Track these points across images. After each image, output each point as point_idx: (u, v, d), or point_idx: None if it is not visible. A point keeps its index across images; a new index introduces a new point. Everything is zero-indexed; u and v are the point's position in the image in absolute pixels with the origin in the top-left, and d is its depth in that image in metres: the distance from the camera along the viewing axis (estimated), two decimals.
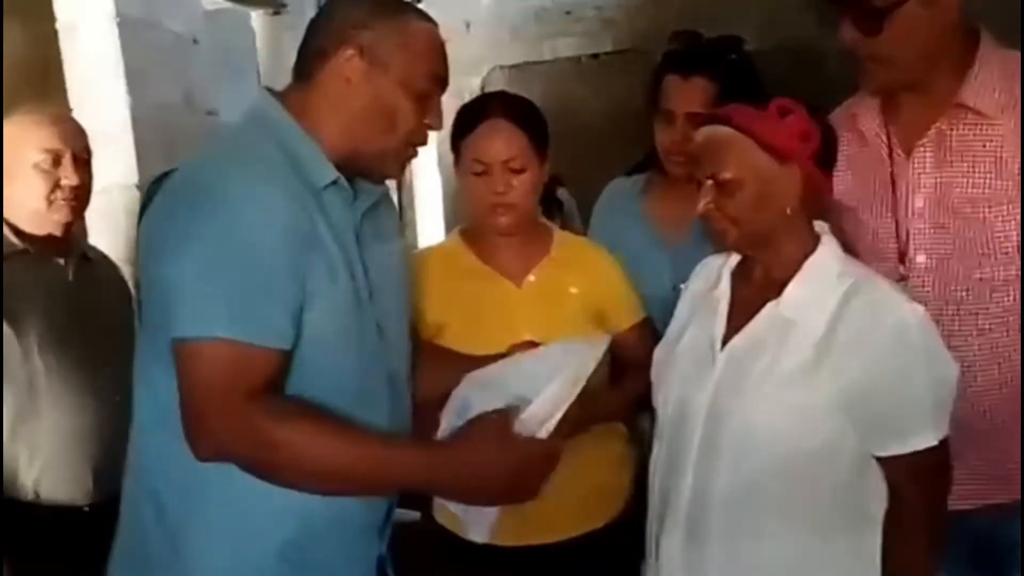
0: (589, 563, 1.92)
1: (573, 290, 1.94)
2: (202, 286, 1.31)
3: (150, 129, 2.64)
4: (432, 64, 1.47)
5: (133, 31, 2.66)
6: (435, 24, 1.50)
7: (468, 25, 5.56)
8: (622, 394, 1.95)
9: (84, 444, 1.97)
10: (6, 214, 2.01)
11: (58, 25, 2.59)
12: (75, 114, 2.72)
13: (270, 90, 1.51)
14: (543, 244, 1.97)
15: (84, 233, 2.42)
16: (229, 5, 3.42)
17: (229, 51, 3.42)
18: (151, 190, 1.51)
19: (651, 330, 1.98)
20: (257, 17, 3.88)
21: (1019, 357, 1.61)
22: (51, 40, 2.61)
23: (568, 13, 5.48)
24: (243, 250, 1.31)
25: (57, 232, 2.05)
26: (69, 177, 2.00)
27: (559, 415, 1.42)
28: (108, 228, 2.63)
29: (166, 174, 1.48)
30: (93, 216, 2.66)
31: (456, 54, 5.59)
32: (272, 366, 1.33)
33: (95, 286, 2.07)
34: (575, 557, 1.91)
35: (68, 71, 2.63)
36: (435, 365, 1.74)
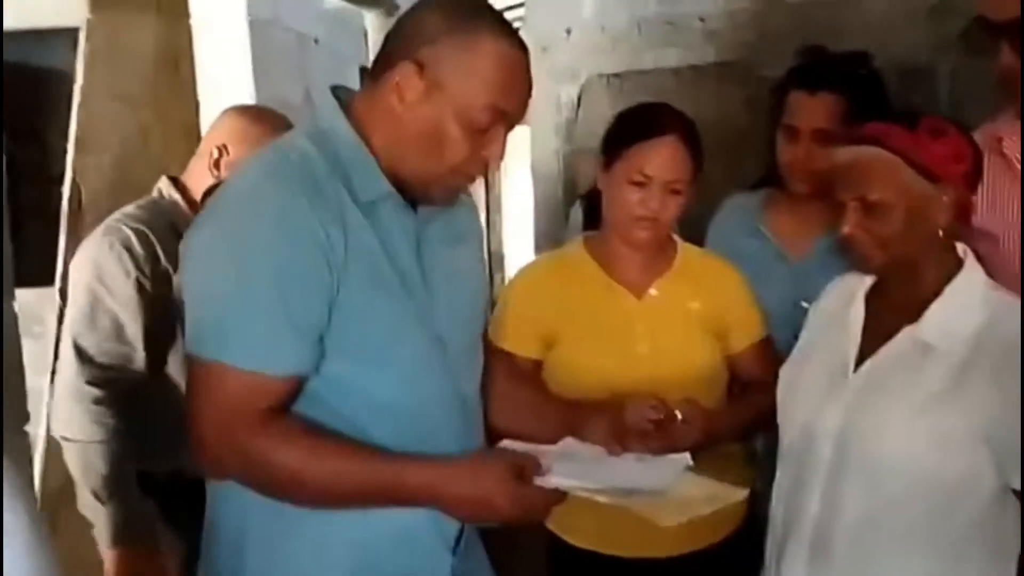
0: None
1: (694, 305, 1.92)
2: (214, 304, 1.30)
3: None
4: (496, 95, 1.34)
5: (262, 30, 2.73)
6: (519, 48, 1.38)
7: (568, 32, 5.57)
8: (742, 415, 1.92)
9: None
10: (193, 187, 2.06)
11: (192, 21, 2.68)
12: (202, 108, 2.81)
13: (339, 92, 1.44)
14: (668, 257, 1.95)
15: None
16: (345, 4, 3.49)
17: (345, 50, 3.48)
18: (204, 202, 1.50)
19: (772, 349, 1.96)
20: (371, 17, 3.96)
21: None
22: (184, 35, 2.70)
23: (670, 23, 5.44)
24: (261, 269, 1.27)
25: None
26: None
27: (576, 491, 1.38)
28: None
29: (216, 185, 1.45)
30: None
31: (555, 61, 5.63)
32: (280, 391, 1.31)
33: None
34: (685, 573, 1.91)
35: (199, 66, 2.71)
36: (537, 410, 1.72)
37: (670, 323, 1.91)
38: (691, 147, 1.84)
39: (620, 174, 1.84)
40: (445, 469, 1.34)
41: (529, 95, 1.41)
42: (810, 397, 1.62)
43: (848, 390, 1.56)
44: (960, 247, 1.57)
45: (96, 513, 1.98)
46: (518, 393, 1.72)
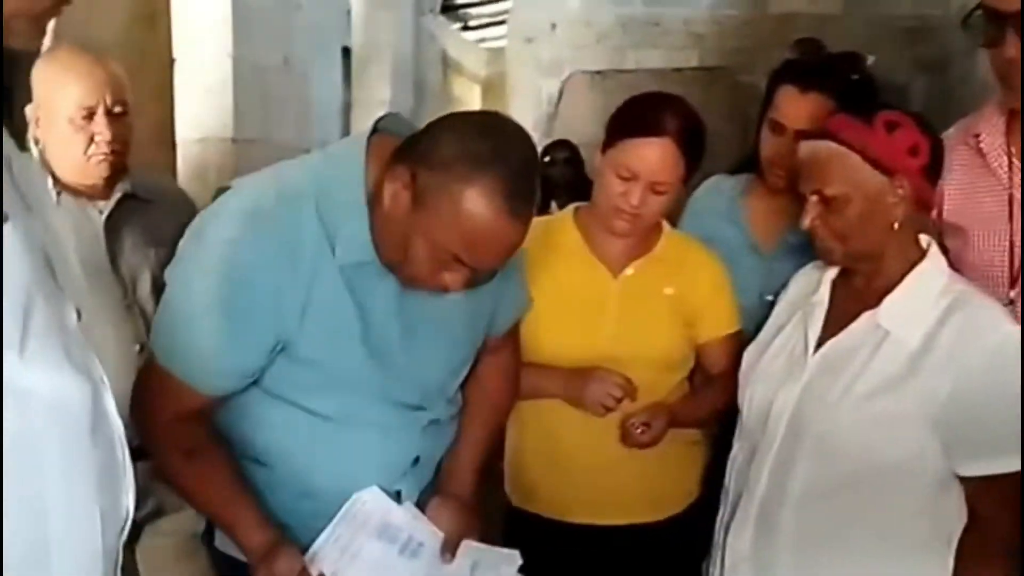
0: (651, 551, 1.93)
1: (668, 290, 1.91)
2: (175, 314, 1.42)
3: (249, 86, 2.67)
4: (462, 250, 1.34)
5: None
6: (509, 214, 1.33)
7: (554, 26, 5.57)
8: (702, 408, 1.95)
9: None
10: (50, 161, 2.02)
11: None
12: (178, 65, 2.77)
13: (383, 124, 1.46)
14: (650, 239, 1.94)
15: (173, 176, 2.43)
16: None
17: (327, 23, 3.45)
18: (215, 196, 1.53)
19: (740, 344, 1.93)
20: None
21: None
22: None
23: (656, 24, 5.46)
24: (218, 296, 1.36)
25: (98, 183, 2.03)
26: (102, 132, 1.98)
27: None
28: (197, 176, 2.69)
29: (226, 188, 1.49)
30: (185, 164, 2.71)
31: (538, 54, 5.67)
32: (199, 402, 1.45)
33: (136, 224, 2.07)
34: (638, 543, 1.93)
35: (176, 22, 2.67)
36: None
37: (642, 305, 1.90)
38: (685, 149, 1.79)
39: (610, 163, 1.82)
40: (273, 544, 1.44)
41: (503, 257, 1.40)
42: (769, 377, 1.65)
43: (806, 371, 1.58)
44: (924, 239, 1.59)
45: None
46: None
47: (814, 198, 1.55)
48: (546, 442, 1.94)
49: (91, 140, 1.97)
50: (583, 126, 5.24)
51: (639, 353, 1.87)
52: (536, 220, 2.09)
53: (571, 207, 2.01)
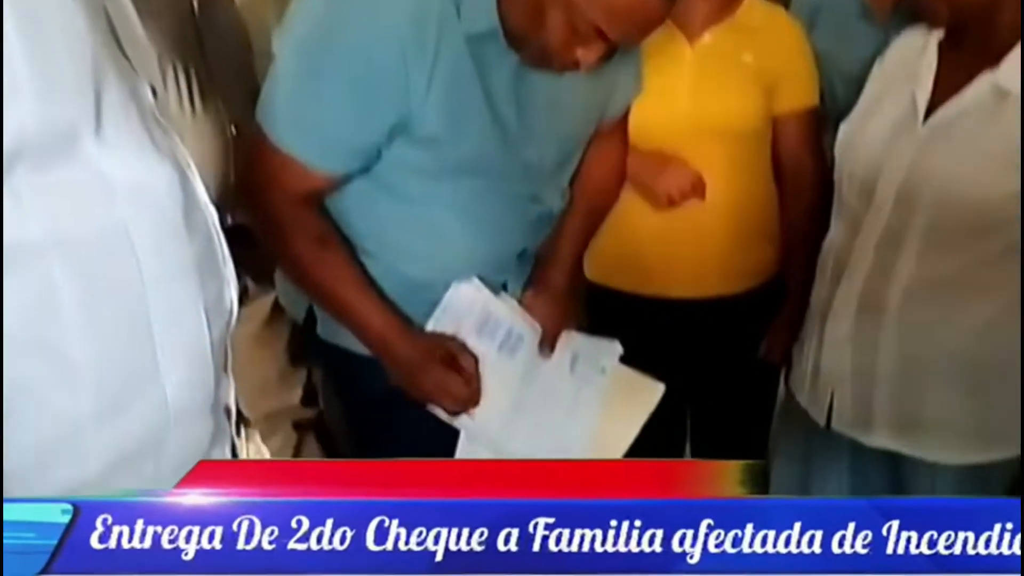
0: (727, 324, 1.93)
1: (747, 58, 1.84)
2: (286, 84, 1.32)
3: None
4: (607, 20, 1.26)
5: None
6: None
7: None
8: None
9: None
10: None
11: None
12: None
13: None
14: (733, 5, 1.86)
15: None
16: None
17: None
18: None
19: (817, 124, 1.89)
20: None
21: None
22: None
23: None
24: (337, 66, 1.27)
25: None
26: None
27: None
28: None
29: None
30: None
31: None
32: (319, 184, 1.36)
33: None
34: (713, 316, 1.92)
35: None
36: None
37: (720, 75, 1.84)
38: None
39: None
40: (398, 327, 1.44)
41: (646, 32, 1.33)
42: (874, 146, 1.54)
43: (916, 138, 1.48)
44: None
45: None
46: None
47: None
48: (618, 214, 1.87)
49: None
50: None
51: (716, 124, 1.83)
52: None
53: None
